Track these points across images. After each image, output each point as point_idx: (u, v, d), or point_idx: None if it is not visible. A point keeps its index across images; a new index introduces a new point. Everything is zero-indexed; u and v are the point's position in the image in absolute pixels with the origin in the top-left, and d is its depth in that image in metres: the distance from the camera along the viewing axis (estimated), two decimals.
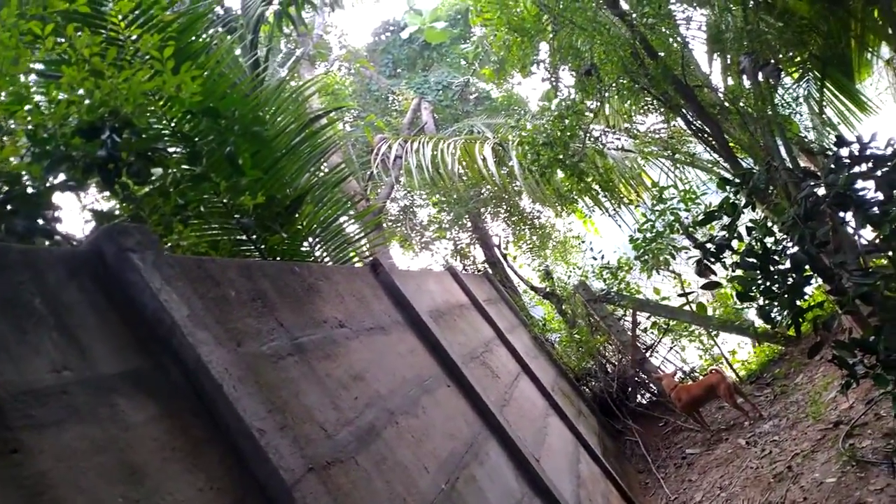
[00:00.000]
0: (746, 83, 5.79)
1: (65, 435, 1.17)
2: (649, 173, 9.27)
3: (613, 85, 6.28)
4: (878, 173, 3.11)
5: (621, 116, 8.31)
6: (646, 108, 6.99)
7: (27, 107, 2.30)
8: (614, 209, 9.12)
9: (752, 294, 3.52)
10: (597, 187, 8.79)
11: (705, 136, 6.04)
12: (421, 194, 12.41)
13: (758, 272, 3.46)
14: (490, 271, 10.64)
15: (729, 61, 6.53)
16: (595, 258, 9.37)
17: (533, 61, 7.12)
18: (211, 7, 4.03)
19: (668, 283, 9.16)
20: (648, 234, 6.32)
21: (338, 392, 2.15)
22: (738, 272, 3.60)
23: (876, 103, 7.86)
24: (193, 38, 3.66)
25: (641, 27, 5.76)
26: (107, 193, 2.48)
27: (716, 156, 6.60)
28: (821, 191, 3.36)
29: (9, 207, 1.99)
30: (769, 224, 3.64)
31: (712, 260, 3.71)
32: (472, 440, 3.04)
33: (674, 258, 6.64)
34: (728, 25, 6.05)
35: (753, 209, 4.01)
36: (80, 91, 2.36)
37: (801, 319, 3.40)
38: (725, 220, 3.72)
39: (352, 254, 4.58)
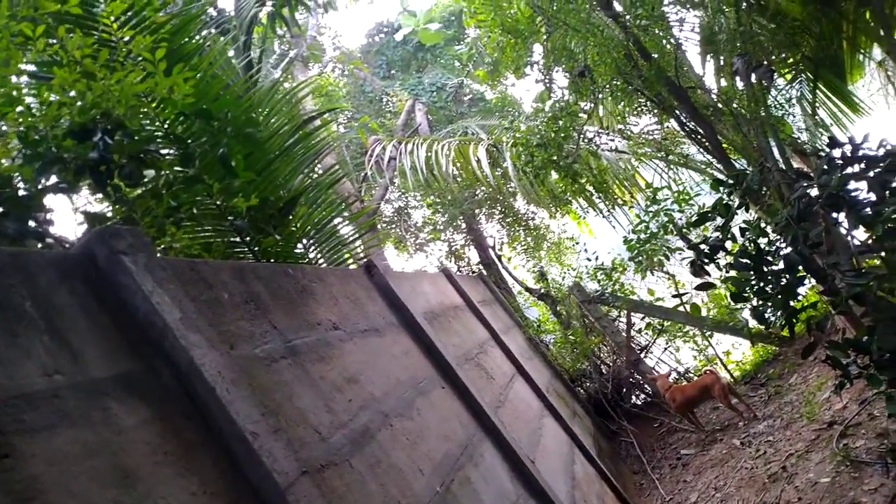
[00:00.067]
0: (739, 84, 5.81)
1: (56, 439, 1.16)
2: (643, 174, 9.31)
3: (607, 86, 6.29)
4: (871, 174, 3.13)
5: (615, 118, 8.32)
6: (639, 109, 7.00)
7: (18, 108, 2.29)
8: (608, 210, 9.14)
9: (746, 295, 3.53)
10: (591, 188, 8.80)
11: (699, 137, 6.05)
12: (415, 196, 12.41)
13: (751, 273, 3.48)
14: (485, 272, 10.63)
15: (722, 63, 6.56)
16: (589, 259, 9.38)
17: (527, 63, 7.12)
18: (204, 8, 4.02)
19: (662, 284, 9.17)
20: (642, 236, 6.33)
21: (332, 394, 2.14)
22: (732, 273, 3.61)
23: (868, 104, 7.89)
24: (186, 39, 3.65)
25: (635, 29, 5.77)
26: (99, 195, 2.47)
27: (709, 157, 6.62)
28: (814, 192, 3.38)
29: (0, 210, 1.98)
30: (763, 225, 3.65)
31: (706, 261, 3.71)
32: (467, 442, 3.03)
33: (668, 259, 6.66)
34: (721, 27, 6.06)
35: (747, 210, 4.03)
36: (72, 93, 2.35)
37: (794, 320, 3.41)
38: (719, 221, 3.73)
39: (346, 255, 4.57)
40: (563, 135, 6.45)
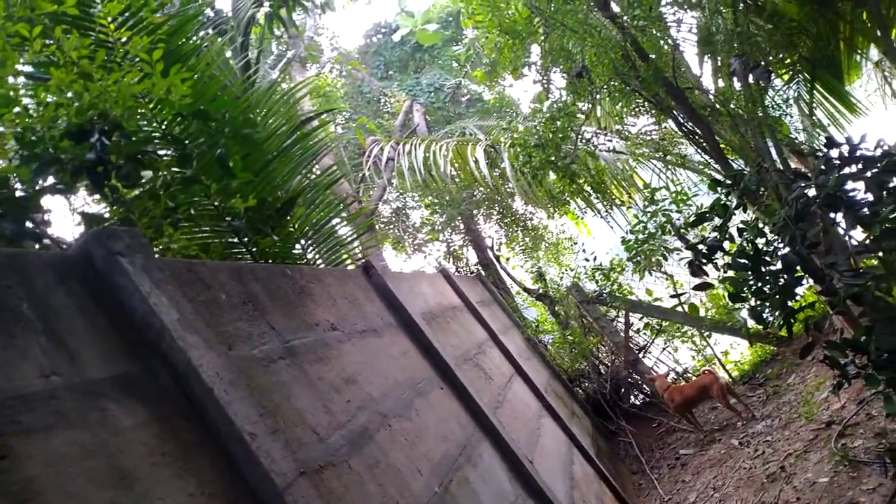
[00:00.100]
0: (737, 85, 5.81)
1: (53, 440, 1.16)
2: (641, 175, 9.31)
3: (605, 87, 6.29)
4: (868, 174, 3.13)
5: (613, 118, 8.33)
6: (637, 109, 7.01)
7: (15, 109, 2.28)
8: (606, 210, 9.14)
9: (744, 295, 3.54)
10: (589, 189, 8.81)
11: (696, 137, 6.06)
12: (413, 196, 12.41)
13: (749, 273, 3.48)
14: (483, 273, 10.64)
15: (719, 63, 6.56)
16: (587, 259, 9.39)
17: (524, 63, 7.12)
18: (201, 9, 4.01)
19: (660, 285, 9.18)
20: (640, 236, 6.33)
21: (330, 395, 2.14)
22: (730, 273, 3.61)
23: (865, 105, 7.91)
24: (183, 40, 3.65)
25: (632, 29, 5.77)
26: (96, 196, 2.46)
27: (707, 157, 6.63)
28: (811, 192, 3.38)
29: None
30: (760, 225, 3.65)
31: (704, 261, 3.72)
32: (466, 442, 3.03)
33: (666, 259, 6.67)
34: (718, 28, 6.07)
35: (744, 210, 4.03)
36: (69, 94, 2.35)
37: (792, 320, 3.42)
38: (717, 221, 3.74)
39: (344, 256, 4.57)
40: (560, 135, 6.45)
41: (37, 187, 2.16)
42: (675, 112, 6.05)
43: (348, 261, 4.63)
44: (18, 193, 2.12)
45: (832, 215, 3.46)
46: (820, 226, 3.45)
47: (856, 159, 3.21)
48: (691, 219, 4.18)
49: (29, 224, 2.07)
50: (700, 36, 6.67)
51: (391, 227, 12.85)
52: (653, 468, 6.58)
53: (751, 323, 7.27)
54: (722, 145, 5.98)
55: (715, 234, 3.71)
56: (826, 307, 4.30)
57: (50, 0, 2.51)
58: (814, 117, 7.51)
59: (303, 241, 4.16)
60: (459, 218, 11.76)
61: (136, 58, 2.66)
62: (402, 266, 12.89)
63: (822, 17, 6.13)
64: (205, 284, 1.87)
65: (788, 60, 6.91)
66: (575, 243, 12.14)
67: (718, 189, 3.80)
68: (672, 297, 8.23)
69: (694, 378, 7.85)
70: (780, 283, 3.39)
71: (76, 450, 1.19)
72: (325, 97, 13.22)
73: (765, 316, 3.50)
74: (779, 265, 3.43)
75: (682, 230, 6.40)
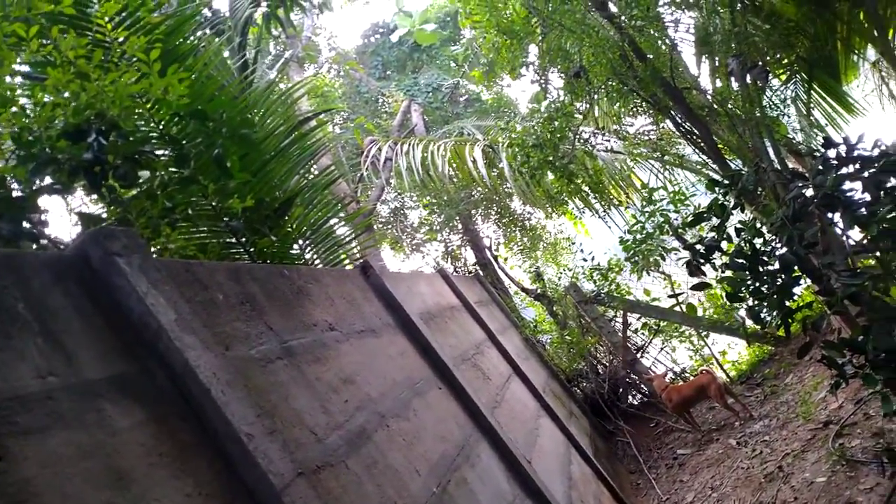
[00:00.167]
0: (734, 85, 5.82)
1: (50, 441, 1.16)
2: (639, 175, 9.30)
3: (602, 87, 6.30)
4: (866, 174, 3.13)
5: (610, 118, 8.33)
6: (635, 109, 7.01)
7: (12, 109, 2.28)
8: (604, 211, 9.15)
9: (742, 295, 3.54)
10: (587, 189, 8.81)
11: (694, 137, 6.06)
12: (411, 196, 12.40)
13: (747, 273, 3.48)
14: (481, 273, 10.63)
15: (717, 63, 6.57)
16: (585, 259, 9.39)
17: (522, 63, 7.12)
18: (198, 9, 4.01)
19: (658, 285, 9.19)
20: (638, 236, 6.32)
21: (328, 395, 2.14)
22: (728, 273, 3.61)
23: (863, 105, 7.91)
24: (181, 40, 3.64)
25: (630, 29, 5.78)
26: (93, 196, 2.46)
27: (704, 157, 6.63)
28: (809, 192, 3.38)
29: None
30: (758, 225, 3.65)
31: (702, 261, 3.72)
32: (464, 442, 3.03)
33: (664, 259, 6.65)
34: (716, 28, 6.08)
35: (742, 210, 4.03)
36: (66, 94, 2.34)
37: (790, 320, 3.42)
38: (715, 221, 3.74)
39: (342, 256, 4.56)
40: (558, 135, 6.45)
41: (34, 187, 2.16)
42: (672, 112, 6.05)
43: (346, 261, 4.63)
44: (15, 193, 2.11)
45: (830, 215, 3.46)
46: (817, 226, 3.45)
47: (853, 159, 3.21)
48: (689, 219, 4.18)
49: (26, 224, 2.06)
50: (698, 36, 6.68)
51: (389, 227, 12.85)
52: (651, 468, 6.58)
53: (748, 323, 7.28)
54: (720, 145, 5.98)
55: (713, 234, 3.71)
56: (824, 307, 4.31)
57: (47, 0, 2.50)
58: (811, 117, 7.52)
59: (301, 242, 4.16)
60: (457, 218, 11.76)
61: (134, 58, 2.65)
62: (400, 266, 12.90)
63: (819, 18, 6.14)
64: (202, 285, 1.86)
65: (786, 60, 6.92)
66: (573, 243, 12.15)
67: (716, 189, 3.80)
68: (670, 296, 8.24)
69: (692, 378, 7.85)
70: (778, 283, 3.39)
71: (73, 450, 1.18)
72: (323, 97, 13.21)
73: (762, 316, 3.50)
74: (776, 265, 3.43)
75: (679, 230, 6.41)
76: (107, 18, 3.07)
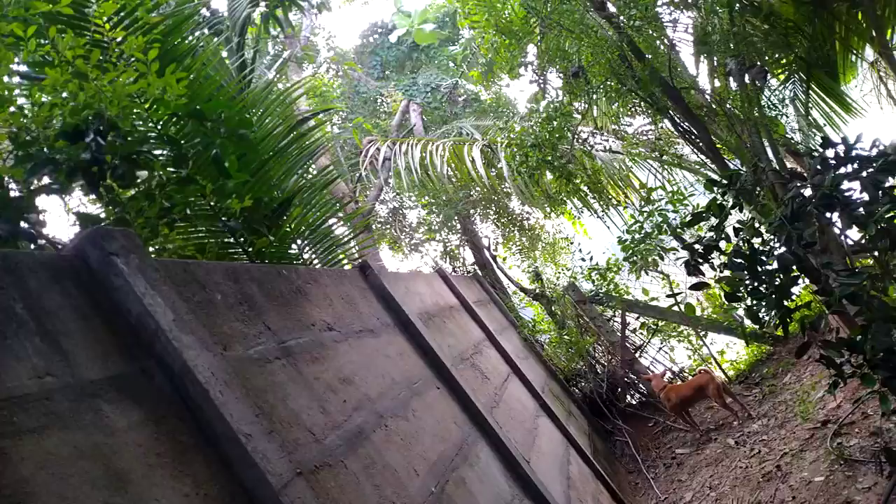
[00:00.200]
0: (733, 85, 5.82)
1: (47, 441, 1.16)
2: (637, 175, 9.31)
3: (601, 87, 6.29)
4: (864, 174, 3.13)
5: (609, 118, 8.33)
6: (633, 109, 7.00)
7: (10, 109, 2.28)
8: (603, 210, 9.15)
9: (740, 294, 3.53)
10: (585, 189, 8.81)
11: (692, 137, 6.07)
12: (410, 196, 12.39)
13: (745, 273, 3.48)
14: (479, 273, 10.63)
15: (716, 63, 6.56)
16: (584, 259, 9.38)
17: (521, 63, 7.12)
18: (197, 9, 4.00)
19: (656, 284, 9.18)
20: (637, 236, 6.33)
21: (326, 395, 2.14)
22: (726, 273, 3.61)
23: (861, 105, 7.92)
24: (179, 40, 3.64)
25: (628, 29, 5.78)
26: (91, 196, 2.45)
27: (703, 157, 6.63)
28: (807, 192, 3.38)
29: None
30: (756, 225, 3.65)
31: (700, 261, 3.72)
32: (462, 442, 3.03)
33: (662, 259, 6.66)
34: (714, 28, 6.07)
35: (741, 210, 4.02)
36: (64, 93, 2.34)
37: (788, 319, 3.42)
38: (713, 221, 3.74)
39: (341, 256, 4.56)
40: (557, 135, 6.45)
41: (32, 187, 2.15)
42: (671, 112, 6.05)
43: (345, 261, 4.63)
44: (13, 193, 2.11)
45: (828, 215, 3.46)
46: (816, 225, 3.44)
47: (851, 159, 3.21)
48: (687, 218, 4.19)
49: (24, 224, 2.06)
50: (696, 36, 6.67)
51: (388, 226, 12.84)
52: (649, 467, 6.58)
53: (747, 322, 7.30)
54: (718, 145, 5.99)
55: (711, 233, 3.71)
56: (822, 307, 4.31)
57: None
58: (810, 117, 7.52)
59: (299, 242, 4.16)
60: (456, 218, 11.75)
61: (132, 57, 2.65)
62: (399, 266, 12.89)
63: (817, 18, 6.14)
64: (200, 285, 1.86)
65: (784, 60, 6.93)
66: (571, 243, 12.13)
67: (714, 189, 3.80)
68: (668, 296, 8.24)
69: (690, 377, 7.85)
70: (777, 283, 3.39)
71: (70, 451, 1.18)
72: (322, 97, 13.19)
73: (761, 315, 3.50)
74: (775, 265, 3.43)
75: (678, 230, 6.40)
76: (105, 18, 3.06)
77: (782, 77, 7.19)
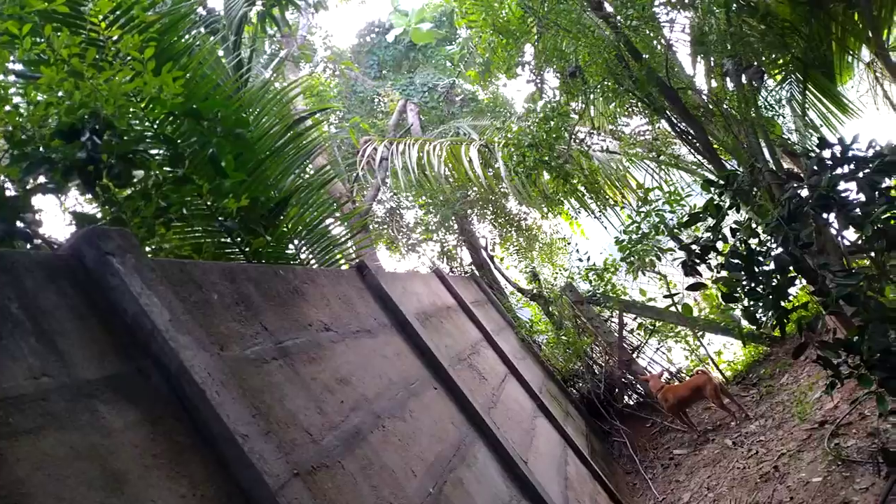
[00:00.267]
0: (730, 85, 5.83)
1: (43, 442, 1.15)
2: (634, 175, 9.31)
3: (598, 87, 6.29)
4: (860, 175, 3.13)
5: (606, 118, 8.33)
6: (630, 109, 7.01)
7: (5, 108, 2.26)
8: (600, 211, 9.15)
9: (737, 295, 3.54)
10: (582, 189, 8.81)
11: (689, 137, 6.07)
12: (407, 196, 12.39)
13: (742, 273, 3.48)
14: (477, 273, 10.64)
15: (713, 64, 6.57)
16: (581, 260, 9.39)
17: (518, 63, 7.11)
18: (193, 8, 3.99)
19: (653, 285, 9.19)
20: (634, 236, 6.33)
21: (323, 396, 2.13)
22: (723, 273, 3.61)
23: (857, 105, 7.94)
24: (175, 38, 3.63)
25: (626, 29, 5.78)
26: (87, 196, 2.44)
27: (700, 157, 6.64)
28: (804, 192, 3.39)
29: None
30: (753, 225, 3.65)
31: (697, 261, 3.72)
32: (460, 443, 3.02)
33: (659, 260, 6.67)
34: (711, 28, 6.08)
35: (738, 211, 4.03)
36: (60, 92, 2.33)
37: (785, 320, 3.42)
38: (710, 221, 3.74)
39: (338, 256, 4.55)
40: (554, 135, 6.45)
41: (27, 186, 2.15)
42: (668, 112, 6.06)
43: (342, 261, 4.62)
44: (9, 193, 2.10)
45: (825, 216, 3.46)
46: (812, 226, 3.45)
47: (848, 160, 3.22)
48: (684, 219, 4.19)
49: (20, 224, 2.05)
50: (693, 36, 6.68)
51: (385, 226, 12.84)
52: (647, 468, 6.59)
53: (744, 323, 7.31)
54: (715, 145, 5.99)
55: (708, 234, 3.71)
56: (819, 307, 4.31)
57: None
58: (806, 118, 7.54)
59: (296, 241, 4.15)
60: (453, 218, 11.75)
61: (128, 56, 2.64)
62: (396, 266, 12.89)
63: (814, 18, 6.15)
64: (197, 285, 1.85)
65: (781, 61, 6.94)
66: (569, 243, 12.13)
67: (711, 189, 3.80)
68: (665, 297, 8.26)
69: (687, 378, 7.86)
70: (773, 284, 3.40)
71: (66, 451, 1.17)
72: (319, 96, 13.18)
73: (758, 316, 3.50)
74: (772, 265, 3.43)
75: (675, 230, 6.40)
76: (101, 16, 3.05)
77: (779, 77, 7.20)
